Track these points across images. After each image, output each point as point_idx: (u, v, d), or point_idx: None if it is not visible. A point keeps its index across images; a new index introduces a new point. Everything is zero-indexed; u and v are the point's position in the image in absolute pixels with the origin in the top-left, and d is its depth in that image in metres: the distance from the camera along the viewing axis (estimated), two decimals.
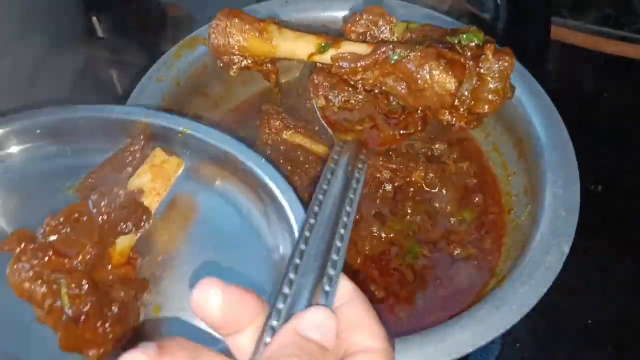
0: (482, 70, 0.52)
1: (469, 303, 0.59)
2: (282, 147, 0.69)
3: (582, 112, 0.87)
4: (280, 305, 0.33)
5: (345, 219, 0.40)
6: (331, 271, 0.35)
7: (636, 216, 0.77)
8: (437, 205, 0.67)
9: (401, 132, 0.57)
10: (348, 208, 0.41)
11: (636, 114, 0.89)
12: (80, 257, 0.47)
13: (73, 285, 0.45)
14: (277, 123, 0.69)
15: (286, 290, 0.34)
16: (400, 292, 0.62)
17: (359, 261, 0.64)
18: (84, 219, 0.49)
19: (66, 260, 0.47)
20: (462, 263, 0.64)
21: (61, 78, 0.76)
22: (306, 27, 0.74)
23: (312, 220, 0.39)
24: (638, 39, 0.95)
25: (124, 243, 0.50)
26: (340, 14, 0.76)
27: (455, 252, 0.64)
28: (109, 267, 0.49)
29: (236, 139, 0.54)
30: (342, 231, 0.38)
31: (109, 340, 0.46)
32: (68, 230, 0.48)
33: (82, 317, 0.45)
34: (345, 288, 0.34)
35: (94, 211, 0.49)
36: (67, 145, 0.56)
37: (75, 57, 0.79)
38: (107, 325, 0.46)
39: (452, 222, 0.66)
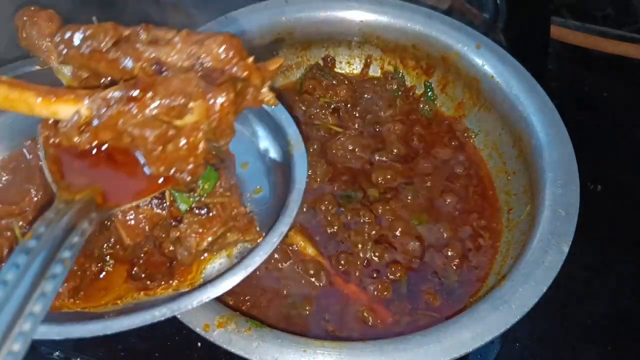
0: None
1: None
2: None
3: (582, 112, 0.87)
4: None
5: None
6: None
7: (636, 216, 0.77)
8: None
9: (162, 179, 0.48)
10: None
11: (636, 114, 0.89)
12: (27, 200, 0.49)
13: (26, 225, 0.49)
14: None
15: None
16: None
17: None
18: (22, 166, 0.51)
19: (13, 207, 0.49)
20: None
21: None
22: (306, 26, 0.75)
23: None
24: (638, 39, 0.95)
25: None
26: (340, 13, 0.76)
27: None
28: None
29: None
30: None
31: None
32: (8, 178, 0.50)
33: None
34: None
35: (30, 157, 0.51)
36: None
37: None
38: None
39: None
